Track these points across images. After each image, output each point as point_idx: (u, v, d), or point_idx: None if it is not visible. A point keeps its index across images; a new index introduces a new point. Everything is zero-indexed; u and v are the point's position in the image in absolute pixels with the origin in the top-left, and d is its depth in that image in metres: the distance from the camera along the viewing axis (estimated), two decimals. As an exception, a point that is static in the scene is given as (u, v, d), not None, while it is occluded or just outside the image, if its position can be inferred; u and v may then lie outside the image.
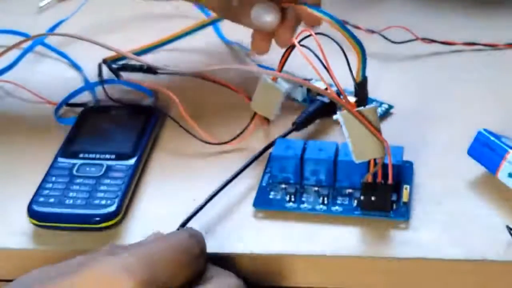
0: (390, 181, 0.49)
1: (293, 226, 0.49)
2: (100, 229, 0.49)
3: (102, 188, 0.51)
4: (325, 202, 0.50)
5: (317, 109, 0.58)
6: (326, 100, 0.58)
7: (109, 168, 0.53)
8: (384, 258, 0.47)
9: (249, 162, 0.53)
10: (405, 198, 0.50)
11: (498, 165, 0.50)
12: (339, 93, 0.48)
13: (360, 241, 0.48)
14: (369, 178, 0.49)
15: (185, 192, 0.53)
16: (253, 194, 0.52)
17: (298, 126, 0.56)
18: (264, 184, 0.52)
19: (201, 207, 0.50)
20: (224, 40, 0.72)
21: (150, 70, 0.65)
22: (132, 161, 0.53)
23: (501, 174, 0.50)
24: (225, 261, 0.47)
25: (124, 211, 0.50)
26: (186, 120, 0.57)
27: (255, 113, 0.56)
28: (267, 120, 0.58)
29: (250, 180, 0.53)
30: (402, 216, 0.49)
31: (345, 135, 0.47)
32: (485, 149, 0.52)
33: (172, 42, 0.71)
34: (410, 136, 0.56)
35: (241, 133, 0.56)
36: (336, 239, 0.48)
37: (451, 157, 0.55)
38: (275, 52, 0.56)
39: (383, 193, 0.49)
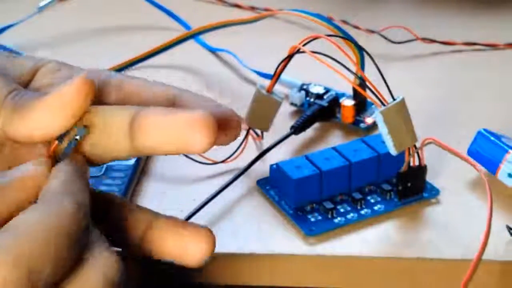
0: (423, 162, 0.50)
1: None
2: (100, 229, 0.49)
3: (102, 188, 0.51)
4: (362, 205, 0.50)
5: (315, 113, 0.58)
6: (324, 104, 0.59)
7: (109, 168, 0.53)
8: (385, 258, 0.47)
9: (250, 162, 0.53)
10: None
11: (498, 165, 0.50)
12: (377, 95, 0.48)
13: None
14: (406, 167, 0.49)
15: (185, 192, 0.53)
16: (251, 198, 0.52)
17: (296, 129, 0.56)
18: (291, 211, 0.50)
19: (200, 208, 0.50)
20: (211, 49, 0.70)
21: None
22: (132, 161, 0.53)
23: (501, 174, 0.50)
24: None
25: (124, 211, 0.50)
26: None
27: (248, 129, 0.54)
28: (259, 136, 0.57)
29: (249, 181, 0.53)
30: (432, 191, 0.51)
31: (384, 131, 0.47)
32: (485, 149, 0.52)
33: (151, 57, 0.66)
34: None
35: (237, 149, 0.54)
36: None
37: (451, 157, 0.55)
38: (269, 59, 0.56)
39: (419, 175, 0.50)
